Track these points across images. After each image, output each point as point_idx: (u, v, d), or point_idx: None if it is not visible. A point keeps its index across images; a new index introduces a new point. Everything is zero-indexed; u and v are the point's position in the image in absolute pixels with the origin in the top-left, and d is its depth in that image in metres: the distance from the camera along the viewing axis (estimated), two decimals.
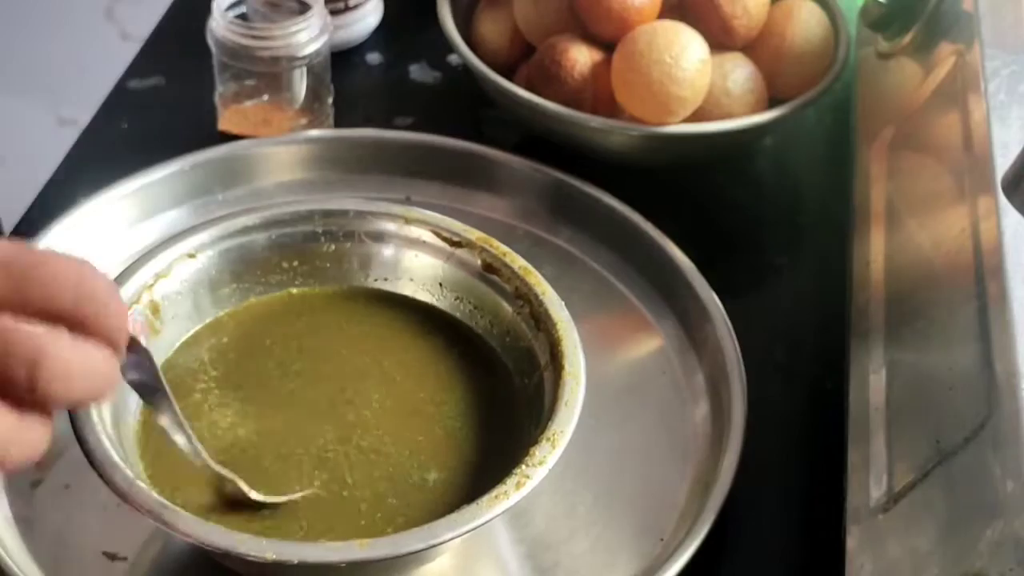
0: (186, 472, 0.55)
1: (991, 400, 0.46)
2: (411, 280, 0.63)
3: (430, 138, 0.75)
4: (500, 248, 0.62)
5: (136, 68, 0.84)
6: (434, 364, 0.60)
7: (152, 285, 0.59)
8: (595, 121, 0.72)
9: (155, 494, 0.50)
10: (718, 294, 0.66)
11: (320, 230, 0.63)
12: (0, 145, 1.46)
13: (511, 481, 0.51)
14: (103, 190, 0.69)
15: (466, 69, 0.76)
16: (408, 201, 0.71)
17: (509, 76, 0.75)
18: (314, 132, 0.75)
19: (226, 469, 0.53)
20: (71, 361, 0.37)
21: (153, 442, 0.55)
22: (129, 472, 0.50)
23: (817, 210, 0.78)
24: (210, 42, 0.74)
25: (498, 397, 0.59)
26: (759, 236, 0.77)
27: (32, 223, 0.69)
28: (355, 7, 0.84)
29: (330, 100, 0.78)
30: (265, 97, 0.76)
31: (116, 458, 0.50)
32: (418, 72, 0.86)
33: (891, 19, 0.74)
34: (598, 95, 0.73)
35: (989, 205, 0.52)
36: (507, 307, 0.60)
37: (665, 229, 0.70)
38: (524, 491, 0.51)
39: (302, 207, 0.63)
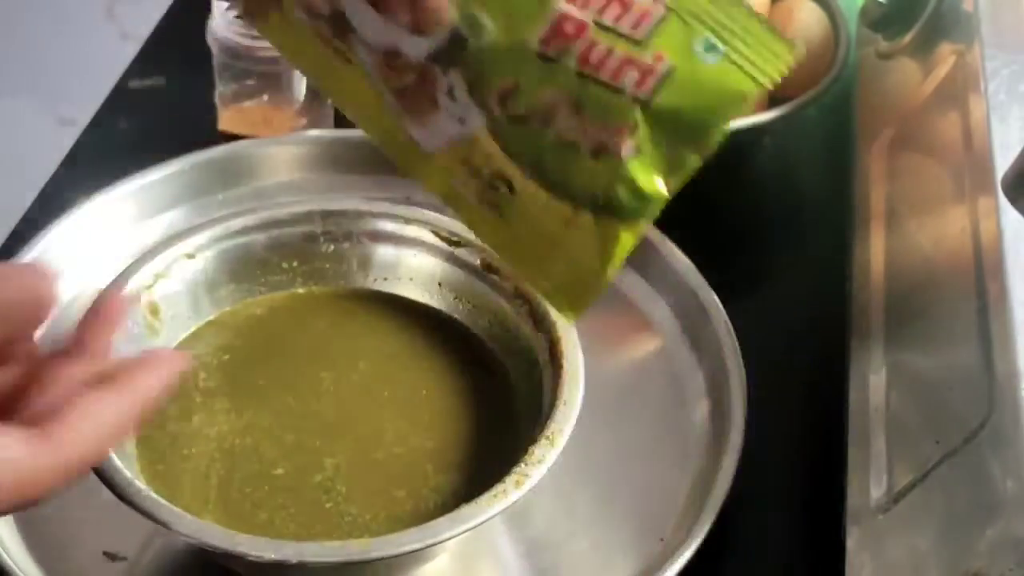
0: (186, 472, 0.55)
1: (991, 400, 0.46)
2: (410, 280, 0.63)
3: None
4: None
5: (136, 68, 0.84)
6: (433, 363, 0.60)
7: (151, 286, 0.59)
8: None
9: (154, 494, 0.50)
10: (718, 294, 0.66)
11: (319, 230, 0.63)
12: (0, 145, 1.46)
13: (510, 480, 0.51)
14: (103, 190, 0.69)
15: None
16: (408, 201, 0.71)
17: None
18: (314, 132, 0.75)
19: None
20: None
21: (152, 442, 0.55)
22: (128, 472, 0.50)
23: (817, 210, 0.78)
24: (210, 42, 0.74)
25: (497, 396, 0.59)
26: (759, 236, 0.77)
27: (32, 223, 0.69)
28: None
29: (330, 100, 0.78)
30: (265, 97, 0.76)
31: (115, 459, 0.50)
32: None
33: (891, 19, 0.74)
34: None
35: (989, 205, 0.52)
36: (506, 306, 0.60)
37: (665, 229, 0.70)
38: (523, 490, 0.51)
39: (302, 207, 0.63)
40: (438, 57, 0.33)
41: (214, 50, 0.75)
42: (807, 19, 0.76)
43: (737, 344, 0.63)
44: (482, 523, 0.50)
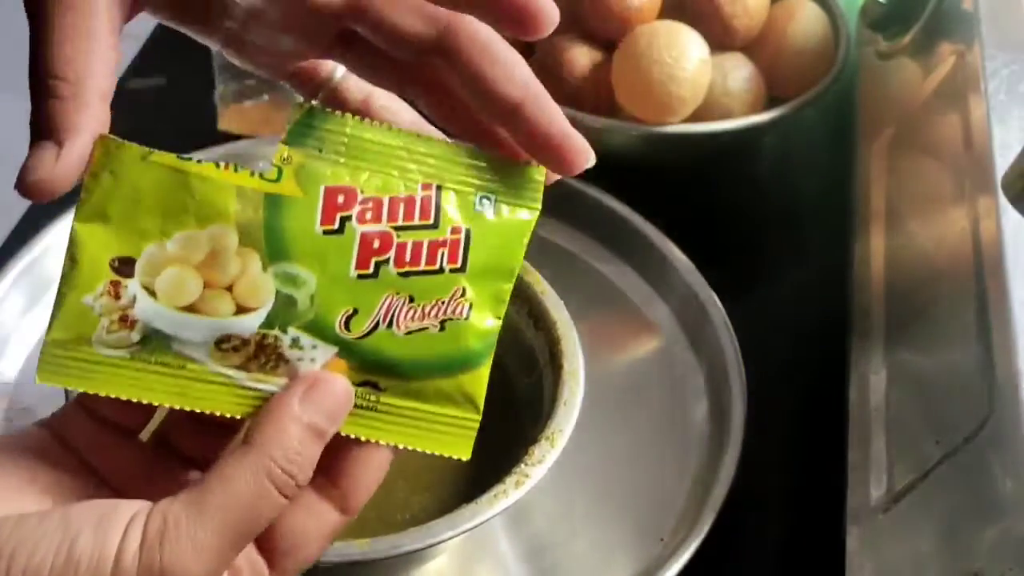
0: None
1: (991, 400, 0.46)
2: None
3: None
4: None
5: (136, 68, 0.84)
6: None
7: None
8: (595, 121, 0.72)
9: None
10: (718, 294, 0.66)
11: None
12: (0, 145, 1.46)
13: (510, 480, 0.51)
14: None
15: None
16: None
17: None
18: None
19: None
20: None
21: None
22: None
23: (817, 210, 0.78)
24: None
25: (497, 396, 0.59)
26: (759, 236, 0.77)
27: (32, 223, 0.69)
28: None
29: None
30: (265, 97, 0.76)
31: None
32: None
33: (891, 19, 0.74)
34: (598, 95, 0.73)
35: (989, 205, 0.52)
36: None
37: (665, 229, 0.70)
38: (523, 490, 0.51)
39: None
40: (271, 323, 0.36)
41: (214, 50, 0.74)
42: (807, 19, 0.76)
43: (737, 344, 0.63)
44: (482, 523, 0.50)
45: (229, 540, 0.34)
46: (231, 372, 0.36)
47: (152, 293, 0.35)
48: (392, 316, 0.36)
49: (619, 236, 0.71)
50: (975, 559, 0.43)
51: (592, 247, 0.72)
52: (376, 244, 0.36)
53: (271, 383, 0.36)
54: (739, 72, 0.73)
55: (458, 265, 0.36)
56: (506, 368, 0.60)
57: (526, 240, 0.38)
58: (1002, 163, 0.52)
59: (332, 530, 0.37)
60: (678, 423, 0.63)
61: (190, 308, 0.35)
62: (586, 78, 0.72)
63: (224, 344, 0.36)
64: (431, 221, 0.36)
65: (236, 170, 0.36)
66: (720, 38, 0.73)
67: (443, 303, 0.36)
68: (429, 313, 0.36)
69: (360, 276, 0.36)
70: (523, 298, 0.60)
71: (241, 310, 0.35)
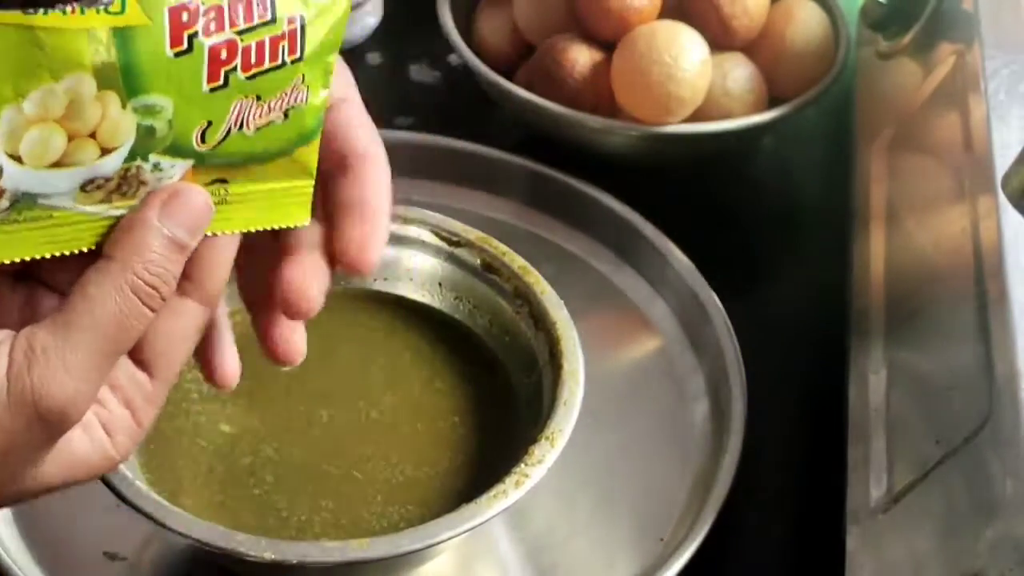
0: (186, 472, 0.55)
1: (991, 400, 0.46)
2: (410, 280, 0.63)
3: (430, 138, 0.75)
4: (499, 247, 0.61)
5: None
6: (433, 364, 0.60)
7: None
8: (595, 121, 0.72)
9: (154, 494, 0.50)
10: (718, 294, 0.66)
11: None
12: None
13: (510, 480, 0.51)
14: None
15: (466, 69, 0.76)
16: (408, 201, 0.71)
17: (509, 76, 0.75)
18: None
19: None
20: None
21: (152, 442, 0.55)
22: (128, 472, 0.50)
23: (817, 210, 0.78)
24: None
25: (497, 396, 0.59)
26: (759, 236, 0.77)
27: None
28: (355, 7, 0.84)
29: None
30: None
31: None
32: (418, 72, 0.86)
33: (891, 19, 0.74)
34: (598, 95, 0.73)
35: (989, 205, 0.52)
36: (506, 306, 0.60)
37: (665, 229, 0.70)
38: (523, 490, 0.51)
39: None
40: (133, 156, 0.36)
41: None
42: (807, 19, 0.76)
43: (737, 344, 0.63)
44: (482, 523, 0.50)
45: (99, 358, 0.33)
46: (95, 208, 0.36)
47: (18, 159, 0.34)
48: (242, 119, 0.36)
49: (619, 236, 0.71)
50: (975, 559, 0.43)
51: (592, 247, 0.72)
52: (224, 54, 0.35)
53: (131, 206, 0.36)
54: (739, 72, 0.73)
55: (297, 55, 0.37)
56: (506, 368, 0.60)
57: (347, 7, 0.38)
58: (1002, 163, 0.52)
59: (198, 325, 0.38)
60: (678, 423, 0.63)
61: (56, 164, 0.35)
62: (586, 78, 0.72)
63: (88, 186, 0.35)
64: (269, 17, 0.36)
65: (83, 12, 0.34)
66: (720, 38, 0.73)
67: (286, 94, 0.37)
68: (274, 107, 0.37)
69: (212, 89, 0.35)
70: (523, 298, 0.60)
71: (105, 152, 0.35)
